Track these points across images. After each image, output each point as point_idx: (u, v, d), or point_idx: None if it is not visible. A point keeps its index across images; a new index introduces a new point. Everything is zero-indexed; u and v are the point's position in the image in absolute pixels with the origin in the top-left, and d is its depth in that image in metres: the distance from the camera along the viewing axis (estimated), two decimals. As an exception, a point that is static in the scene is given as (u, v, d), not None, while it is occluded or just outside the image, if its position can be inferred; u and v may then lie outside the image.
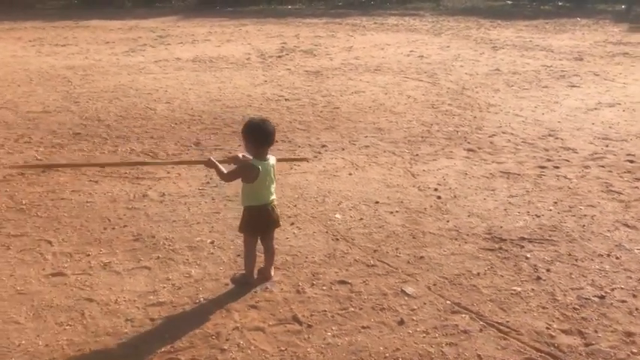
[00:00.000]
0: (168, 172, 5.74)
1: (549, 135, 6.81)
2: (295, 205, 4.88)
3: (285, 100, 8.80)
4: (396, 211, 4.76)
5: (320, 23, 19.31)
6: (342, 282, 3.73)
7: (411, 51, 13.19)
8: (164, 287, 3.68)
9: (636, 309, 3.38)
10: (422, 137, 6.86)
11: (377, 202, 4.94)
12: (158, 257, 4.08)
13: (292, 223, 4.55)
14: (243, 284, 3.72)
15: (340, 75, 10.60)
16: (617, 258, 3.95)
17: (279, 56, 12.70)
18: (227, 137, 6.92)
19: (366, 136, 6.95)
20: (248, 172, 3.45)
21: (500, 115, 7.70)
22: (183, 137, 6.93)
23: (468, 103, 8.39)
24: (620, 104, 8.15)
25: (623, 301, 3.46)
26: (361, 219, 4.62)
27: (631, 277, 3.72)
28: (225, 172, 3.58)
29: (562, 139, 6.64)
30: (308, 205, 4.89)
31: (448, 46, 13.82)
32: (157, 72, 10.91)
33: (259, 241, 3.76)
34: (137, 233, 4.42)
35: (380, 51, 13.27)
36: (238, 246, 4.05)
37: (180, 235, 4.38)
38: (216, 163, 3.58)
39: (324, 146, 6.60)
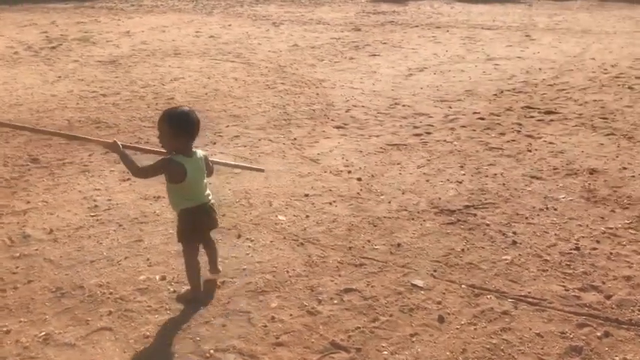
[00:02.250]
0: (29, 202, 4.49)
1: (396, 104, 6.97)
2: (224, 215, 4.18)
3: (103, 95, 7.57)
4: (333, 201, 4.39)
5: (70, 8, 17.02)
6: (348, 290, 3.31)
7: (196, 32, 12.42)
8: (146, 347, 2.84)
9: (610, 253, 3.61)
10: (285, 120, 6.47)
11: (306, 195, 4.51)
12: (110, 312, 3.15)
13: (239, 236, 3.90)
14: (190, 301, 3.20)
15: (141, 62, 9.49)
16: (555, 209, 4.18)
17: (53, 47, 10.91)
18: (68, 148, 5.67)
19: (227, 126, 6.33)
20: (173, 171, 2.92)
21: (337, 90, 7.65)
22: (10, 155, 5.49)
23: (298, 81, 8.18)
24: (427, 68, 8.73)
25: (594, 249, 3.66)
26: (307, 216, 4.16)
27: (580, 225, 3.96)
28: (139, 165, 2.98)
29: (409, 106, 6.85)
30: (238, 212, 4.24)
31: (230, 25, 13.34)
32: None
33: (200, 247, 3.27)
34: (55, 287, 3.35)
35: (163, 34, 12.23)
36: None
37: (116, 278, 3.44)
38: (122, 150, 3.00)
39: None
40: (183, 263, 3.26)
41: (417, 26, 12.56)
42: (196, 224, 3.10)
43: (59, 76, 8.60)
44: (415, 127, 6.10)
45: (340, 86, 7.82)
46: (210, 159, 3.22)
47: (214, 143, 5.79)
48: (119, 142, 3.06)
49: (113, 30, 12.79)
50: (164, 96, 7.44)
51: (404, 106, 6.90)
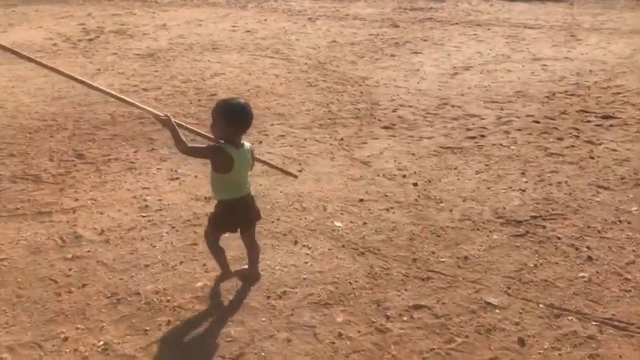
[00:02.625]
0: (77, 200, 4.37)
1: (444, 104, 6.73)
2: (278, 219, 4.01)
3: (144, 90, 7.44)
4: (390, 208, 4.19)
5: (104, 0, 17.00)
6: (417, 307, 3.11)
7: (233, 26, 12.26)
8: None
9: (697, 273, 3.35)
10: (330, 119, 6.27)
11: (361, 201, 4.31)
12: (169, 322, 3.00)
13: (295, 242, 3.72)
14: (222, 280, 3.32)
15: (180, 56, 9.36)
16: (628, 223, 3.93)
17: (90, 39, 10.83)
18: (112, 144, 5.55)
19: (272, 124, 6.15)
20: (220, 160, 2.89)
21: (382, 88, 7.42)
22: (55, 149, 5.39)
23: (340, 78, 7.97)
24: (472, 67, 8.45)
25: (679, 267, 3.40)
26: (365, 223, 3.96)
27: (659, 241, 3.70)
28: (188, 144, 2.92)
29: (459, 107, 6.60)
30: (293, 216, 4.07)
31: (266, 20, 13.16)
32: (-51, 69, 8.46)
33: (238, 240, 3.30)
34: (110, 292, 3.21)
35: (199, 27, 12.10)
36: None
37: (173, 284, 3.28)
38: (175, 126, 2.94)
39: (235, 141, 5.62)
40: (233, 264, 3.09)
41: (456, 24, 12.24)
42: (231, 217, 3.06)
43: (98, 69, 8.51)
44: (468, 130, 5.86)
45: (384, 84, 7.59)
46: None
47: (260, 142, 5.62)
48: (173, 120, 2.97)
49: (149, 23, 12.69)
50: (206, 92, 7.29)
51: (453, 106, 6.65)
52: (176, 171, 4.92)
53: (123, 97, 3.22)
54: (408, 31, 11.46)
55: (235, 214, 3.05)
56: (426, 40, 10.56)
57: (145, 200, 4.34)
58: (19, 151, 5.41)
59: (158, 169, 4.98)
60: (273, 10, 14.79)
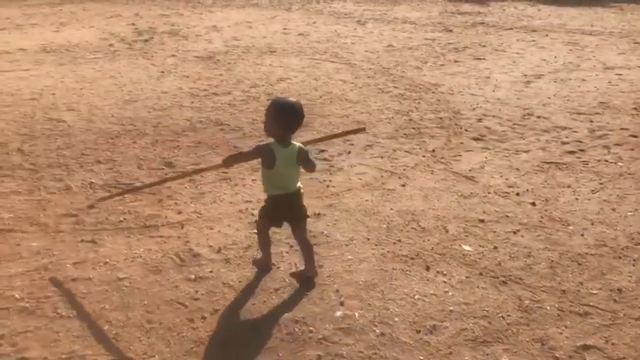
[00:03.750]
0: (180, 212, 4.13)
1: (529, 114, 6.42)
2: (399, 240, 3.74)
3: (214, 94, 7.22)
4: (517, 230, 3.89)
5: (147, 0, 16.81)
6: (586, 347, 2.84)
7: (284, 28, 12.01)
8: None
9: None
10: (414, 129, 5.99)
11: (482, 221, 4.02)
12: (319, 357, 2.72)
13: (427, 268, 3.44)
14: (261, 268, 3.43)
15: (239, 59, 9.12)
16: None
17: (145, 40, 10.64)
18: (198, 151, 5.33)
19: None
20: (264, 156, 3.04)
21: (457, 96, 7.12)
22: (142, 157, 5.16)
23: (410, 84, 7.68)
24: (543, 75, 8.12)
25: None
26: (495, 247, 3.67)
27: None
28: (246, 151, 3.41)
29: (545, 118, 6.29)
30: (414, 238, 3.79)
31: (315, 22, 12.89)
32: (12, 68, 8.32)
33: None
34: (281, 323, 2.94)
35: (251, 30, 11.86)
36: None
37: (310, 313, 3.02)
38: (234, 156, 3.28)
39: (322, 151, 5.38)
40: (374, 297, 2.85)
41: (510, 29, 11.88)
42: (278, 210, 3.18)
43: (162, 72, 8.30)
44: (564, 143, 5.54)
45: (459, 92, 7.29)
46: (307, 143, 3.32)
47: (349, 153, 5.36)
48: (229, 156, 3.19)
49: (199, 24, 12.49)
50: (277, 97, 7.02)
51: (539, 117, 6.33)
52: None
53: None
54: (463, 36, 11.12)
55: (280, 208, 3.16)
56: (484, 46, 10.23)
57: (252, 215, 4.08)
58: (105, 157, 5.19)
59: (253, 180, 4.74)
60: (318, 12, 14.52)
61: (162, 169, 4.97)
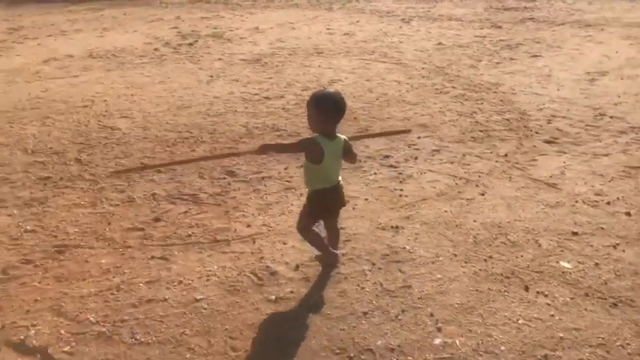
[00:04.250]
0: (249, 226, 3.90)
1: (601, 115, 6.03)
2: (491, 257, 3.44)
3: (267, 98, 7.00)
4: (616, 244, 3.56)
5: (186, 2, 16.75)
6: None
7: (327, 29, 11.76)
8: None
9: None
10: (481, 132, 5.66)
11: (576, 234, 3.70)
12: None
13: (526, 288, 3.14)
14: (328, 265, 3.34)
15: (287, 62, 8.89)
16: None
17: (190, 44, 10.52)
18: (259, 159, 5.09)
19: (419, 137, 5.59)
20: (312, 150, 2.97)
21: (521, 96, 6.76)
22: (202, 165, 4.97)
23: (469, 84, 7.34)
24: (607, 72, 7.70)
25: None
26: (596, 264, 3.35)
27: None
28: (287, 143, 3.55)
29: (620, 118, 5.91)
30: (506, 254, 3.49)
31: (358, 22, 12.61)
32: (62, 75, 8.26)
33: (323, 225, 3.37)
34: (337, 347, 2.74)
35: (294, 31, 11.65)
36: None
37: (406, 340, 2.75)
38: (271, 144, 3.37)
39: (387, 157, 5.11)
40: (474, 322, 2.53)
41: (562, 24, 11.39)
42: (326, 204, 3.16)
43: (211, 76, 8.13)
44: (646, 146, 5.14)
45: (521, 91, 6.93)
46: (351, 138, 3.23)
47: (416, 158, 5.07)
48: (266, 144, 3.29)
49: (241, 26, 12.34)
50: (333, 100, 6.76)
51: (612, 117, 5.94)
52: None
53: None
54: (513, 32, 10.70)
55: (328, 201, 3.14)
56: (539, 43, 9.79)
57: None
58: (165, 167, 5.01)
59: (320, 189, 4.47)
60: (360, 11, 14.23)
61: (225, 178, 4.78)
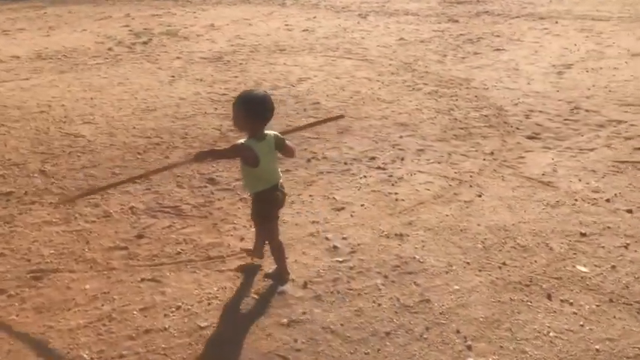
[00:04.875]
0: (243, 239, 3.61)
1: (576, 108, 6.03)
2: (504, 264, 3.29)
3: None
4: (627, 244, 3.49)
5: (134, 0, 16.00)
6: None
7: (285, 25, 11.44)
8: None
9: None
10: (462, 129, 5.54)
11: (584, 235, 3.59)
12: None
13: (548, 296, 2.98)
14: (280, 280, 3.15)
15: (251, 60, 8.55)
16: None
17: (144, 42, 9.99)
18: (239, 165, 4.75)
19: (401, 137, 5.41)
20: (246, 155, 2.88)
21: (493, 91, 6.70)
22: (179, 173, 4.63)
23: (439, 80, 7.23)
24: (572, 65, 7.74)
25: None
26: (613, 267, 3.25)
27: None
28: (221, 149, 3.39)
29: (595, 111, 5.91)
30: (518, 259, 3.35)
31: (315, 17, 12.35)
32: (10, 78, 7.64)
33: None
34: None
35: (251, 27, 11.28)
36: None
37: (441, 364, 2.52)
38: (206, 151, 3.15)
39: (373, 158, 4.91)
40: (503, 337, 2.35)
41: (517, 17, 11.49)
42: (273, 203, 3.04)
43: (172, 76, 7.70)
44: (627, 139, 5.16)
45: (493, 86, 6.86)
46: (283, 134, 3.09)
47: (402, 159, 4.89)
48: (201, 151, 3.04)
49: (195, 23, 11.86)
50: (305, 100, 6.52)
51: (587, 111, 5.94)
52: (334, 198, 4.17)
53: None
54: (471, 26, 10.70)
55: (276, 199, 3.03)
56: (499, 36, 9.82)
57: (327, 239, 3.59)
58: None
59: (310, 195, 4.23)
60: (314, 6, 13.97)
61: (206, 186, 4.45)
